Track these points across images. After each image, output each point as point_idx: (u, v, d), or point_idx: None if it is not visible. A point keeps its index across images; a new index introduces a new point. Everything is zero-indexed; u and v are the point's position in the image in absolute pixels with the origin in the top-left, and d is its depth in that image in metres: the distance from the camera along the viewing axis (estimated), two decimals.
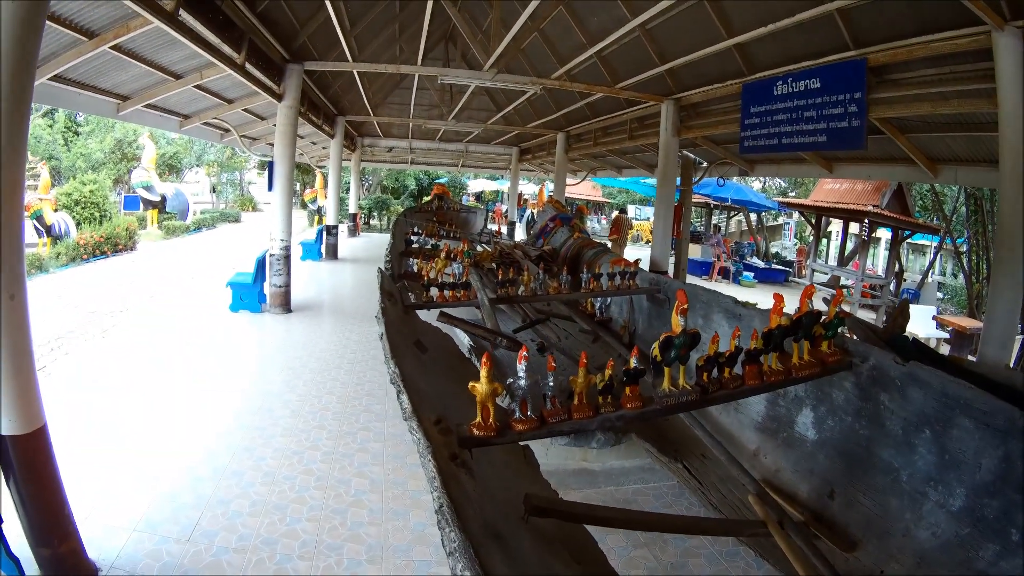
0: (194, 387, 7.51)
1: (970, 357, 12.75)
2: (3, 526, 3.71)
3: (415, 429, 2.68)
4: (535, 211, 27.96)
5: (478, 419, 2.88)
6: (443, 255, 7.94)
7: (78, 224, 20.46)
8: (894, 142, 8.83)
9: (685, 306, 3.26)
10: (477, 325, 6.30)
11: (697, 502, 5.15)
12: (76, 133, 33.61)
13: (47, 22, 6.12)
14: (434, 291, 6.26)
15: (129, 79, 10.87)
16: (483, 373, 2.82)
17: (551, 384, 3.02)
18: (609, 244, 20.66)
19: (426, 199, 23.68)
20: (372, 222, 35.23)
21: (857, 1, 6.64)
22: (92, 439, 5.95)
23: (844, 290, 18.55)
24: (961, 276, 21.40)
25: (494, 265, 8.60)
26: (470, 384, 2.87)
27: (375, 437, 6.38)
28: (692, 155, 14.28)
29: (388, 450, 6.09)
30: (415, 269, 7.94)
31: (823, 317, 3.88)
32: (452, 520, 2.09)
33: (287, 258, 11.66)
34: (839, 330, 4.00)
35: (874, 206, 17.74)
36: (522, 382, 2.90)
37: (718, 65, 9.66)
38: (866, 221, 18.67)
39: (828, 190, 20.21)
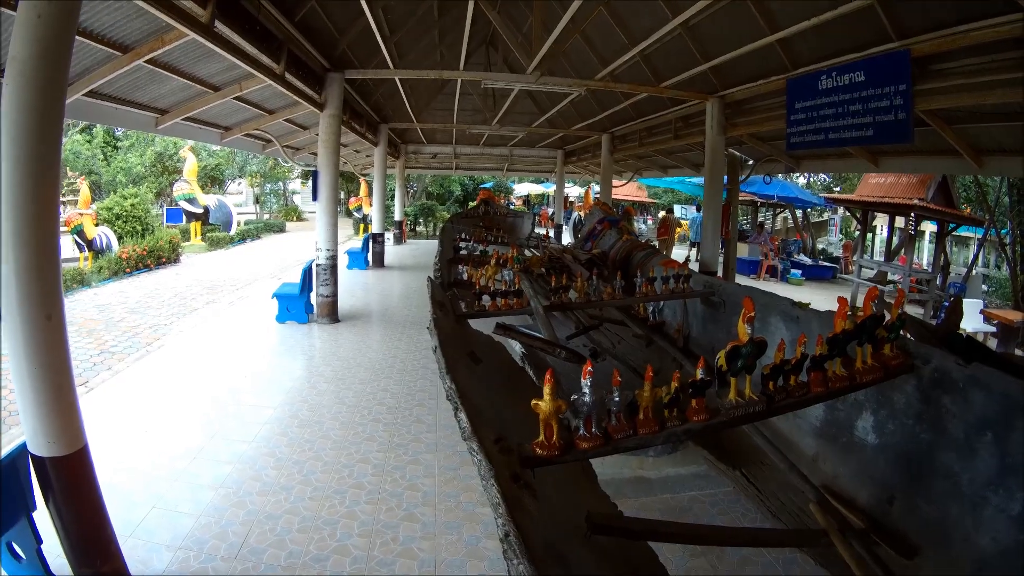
0: (241, 401, 7.53)
1: (1017, 351, 12.57)
2: (42, 547, 3.72)
3: (476, 450, 2.59)
4: (581, 214, 27.89)
5: (541, 437, 2.79)
6: (493, 262, 7.86)
7: (120, 238, 20.86)
8: (938, 134, 8.64)
9: (752, 314, 3.14)
10: (535, 337, 6.20)
11: (753, 508, 5.06)
12: (115, 148, 34.39)
13: (78, 37, 6.16)
14: (486, 299, 6.16)
15: (167, 93, 10.95)
16: (547, 391, 2.72)
17: (616, 400, 2.90)
18: (657, 244, 20.57)
19: (472, 204, 23.65)
20: (418, 229, 35.37)
21: None
22: (136, 455, 5.97)
23: (894, 287, 18.17)
24: (1005, 267, 20.99)
25: (544, 270, 8.50)
26: (533, 402, 2.76)
27: (427, 448, 6.32)
28: (738, 153, 14.07)
29: (440, 461, 6.03)
30: (465, 276, 7.90)
31: (886, 319, 3.76)
32: (521, 552, 2.01)
33: (333, 268, 11.71)
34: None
35: (920, 199, 17.31)
36: (587, 398, 2.79)
37: (762, 61, 9.49)
38: (912, 215, 18.28)
39: (873, 184, 19.76)
